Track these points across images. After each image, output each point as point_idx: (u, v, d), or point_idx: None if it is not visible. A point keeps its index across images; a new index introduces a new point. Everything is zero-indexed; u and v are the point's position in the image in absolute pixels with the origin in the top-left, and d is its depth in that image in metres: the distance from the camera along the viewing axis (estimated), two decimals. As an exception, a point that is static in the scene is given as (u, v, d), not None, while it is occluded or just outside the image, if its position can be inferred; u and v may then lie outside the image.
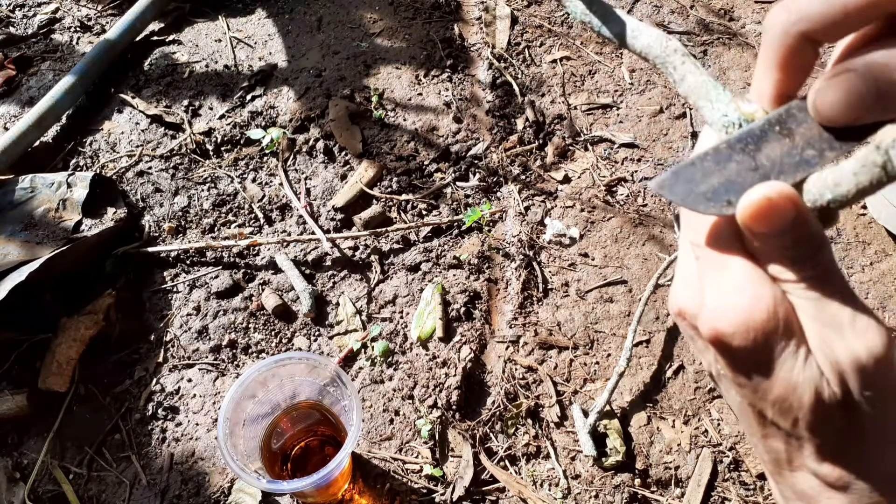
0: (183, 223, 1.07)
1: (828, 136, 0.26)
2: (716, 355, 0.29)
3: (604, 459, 0.85)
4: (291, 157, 1.15)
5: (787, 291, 0.27)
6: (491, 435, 0.88)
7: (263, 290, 1.00)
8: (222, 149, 1.16)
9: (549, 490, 0.84)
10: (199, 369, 0.93)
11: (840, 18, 0.25)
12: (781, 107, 0.27)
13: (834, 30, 0.26)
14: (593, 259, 1.04)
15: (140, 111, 1.20)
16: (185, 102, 1.21)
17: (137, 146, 1.16)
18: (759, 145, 0.27)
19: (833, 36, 0.26)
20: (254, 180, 1.12)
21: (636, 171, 1.14)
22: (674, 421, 0.90)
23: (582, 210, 1.09)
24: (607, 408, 0.89)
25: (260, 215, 1.07)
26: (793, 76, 0.28)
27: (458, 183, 1.12)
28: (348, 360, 0.94)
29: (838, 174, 0.25)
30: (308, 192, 1.10)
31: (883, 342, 0.26)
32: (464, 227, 1.06)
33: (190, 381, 0.92)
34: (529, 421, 0.89)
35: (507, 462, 0.86)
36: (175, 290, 1.00)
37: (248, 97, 1.23)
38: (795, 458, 0.29)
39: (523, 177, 1.13)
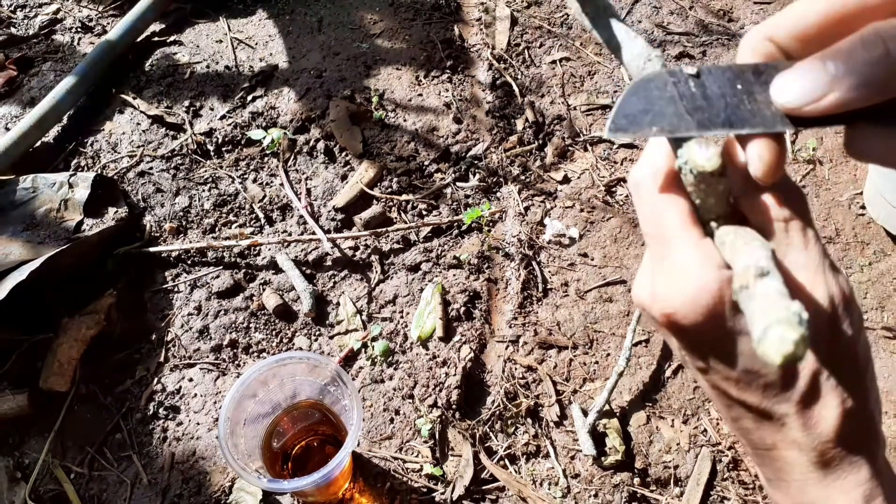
0: (184, 223, 1.07)
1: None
2: (677, 342, 0.30)
3: (603, 459, 0.85)
4: (292, 157, 1.15)
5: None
6: (491, 434, 0.88)
7: (264, 289, 1.00)
8: (223, 149, 1.16)
9: (549, 489, 0.84)
10: (200, 369, 0.93)
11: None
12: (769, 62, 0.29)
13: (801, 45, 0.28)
14: (593, 259, 1.05)
15: (141, 112, 1.20)
16: (186, 103, 1.22)
17: (138, 146, 1.16)
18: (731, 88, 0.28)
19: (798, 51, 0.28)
20: (254, 181, 1.12)
21: (636, 172, 1.14)
22: (673, 420, 0.90)
23: (581, 210, 1.10)
24: (607, 407, 0.89)
25: (261, 215, 1.08)
26: None
27: (458, 183, 1.12)
28: (349, 359, 0.94)
29: (755, 308, 0.24)
30: (308, 192, 1.11)
31: (849, 286, 0.29)
32: (463, 227, 1.06)
33: (191, 380, 0.92)
34: (529, 420, 0.89)
35: (506, 461, 0.86)
36: (176, 289, 1.00)
37: (249, 98, 1.23)
38: (768, 436, 0.30)
39: (523, 177, 1.14)
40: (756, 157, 0.27)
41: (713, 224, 0.30)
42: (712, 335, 0.28)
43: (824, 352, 0.28)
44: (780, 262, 0.28)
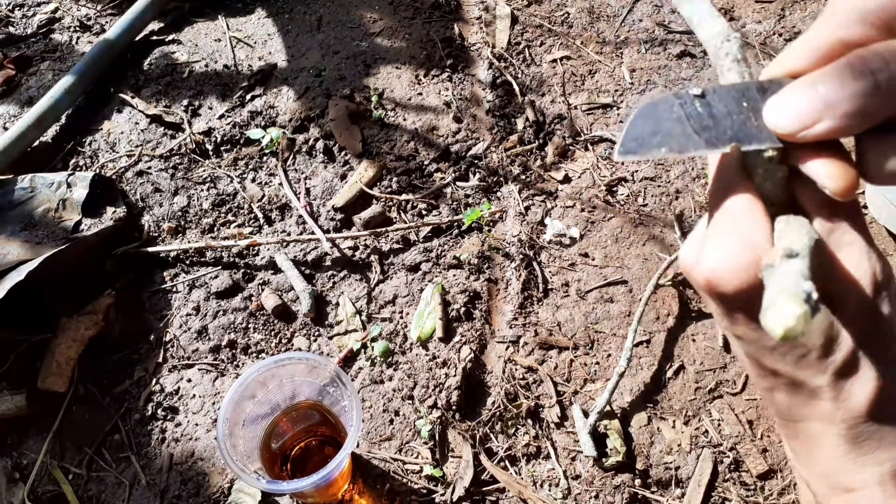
0: (182, 223, 1.07)
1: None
2: (716, 307, 0.31)
3: (604, 460, 0.85)
4: (291, 156, 1.15)
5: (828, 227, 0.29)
6: (491, 435, 0.88)
7: (263, 290, 0.99)
8: (222, 149, 1.16)
9: (550, 490, 0.84)
10: (199, 369, 0.93)
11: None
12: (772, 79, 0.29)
13: None
14: (593, 259, 1.04)
15: (139, 111, 1.20)
16: (185, 102, 1.21)
17: (137, 146, 1.16)
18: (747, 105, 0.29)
19: None
20: (253, 180, 1.12)
21: (636, 171, 1.14)
22: (674, 421, 0.89)
23: (582, 210, 1.09)
24: (607, 408, 0.89)
25: (259, 215, 1.07)
26: None
27: (458, 183, 1.12)
28: (348, 360, 0.94)
29: (772, 283, 0.25)
30: (308, 191, 1.10)
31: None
32: (464, 227, 1.06)
33: (189, 381, 0.92)
34: (529, 421, 0.89)
35: (507, 462, 0.86)
36: (175, 290, 1.00)
37: (248, 97, 1.22)
38: (798, 408, 0.31)
39: (523, 177, 1.13)
40: (825, 177, 0.27)
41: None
42: (752, 304, 0.29)
43: (863, 327, 0.28)
44: (825, 245, 0.28)
